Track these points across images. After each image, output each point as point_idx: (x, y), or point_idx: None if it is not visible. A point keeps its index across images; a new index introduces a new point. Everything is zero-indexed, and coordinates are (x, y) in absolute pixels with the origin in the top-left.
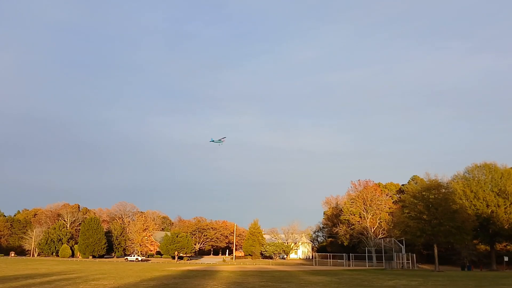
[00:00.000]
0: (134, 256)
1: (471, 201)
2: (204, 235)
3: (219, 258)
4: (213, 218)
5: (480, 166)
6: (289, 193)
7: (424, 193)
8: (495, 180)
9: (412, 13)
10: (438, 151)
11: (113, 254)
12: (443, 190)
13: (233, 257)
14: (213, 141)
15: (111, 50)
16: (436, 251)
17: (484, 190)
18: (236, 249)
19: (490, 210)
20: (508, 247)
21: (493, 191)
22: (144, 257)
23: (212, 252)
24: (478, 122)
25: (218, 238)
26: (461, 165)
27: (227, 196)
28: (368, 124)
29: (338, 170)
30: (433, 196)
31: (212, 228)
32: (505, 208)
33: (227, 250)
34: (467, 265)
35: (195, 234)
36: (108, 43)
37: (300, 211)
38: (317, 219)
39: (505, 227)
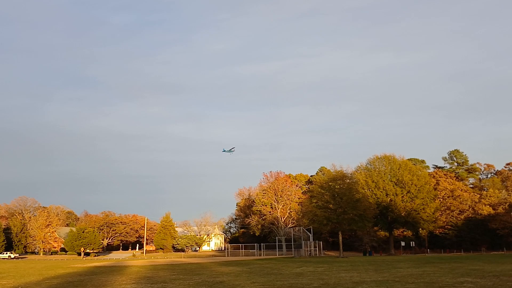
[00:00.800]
0: (5, 253)
1: (373, 191)
2: (113, 230)
3: (129, 253)
4: (122, 212)
5: (381, 157)
6: (203, 185)
7: (330, 183)
8: (393, 170)
9: (320, 10)
10: (344, 143)
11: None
12: (348, 180)
13: (143, 252)
14: (224, 151)
15: (10, 32)
16: (340, 238)
17: (384, 180)
18: (147, 243)
19: (389, 199)
20: (405, 233)
21: (391, 181)
22: (16, 255)
23: (121, 247)
24: (378, 117)
25: (128, 233)
26: (364, 157)
27: (137, 189)
28: (280, 116)
29: (251, 162)
30: (338, 186)
31: (121, 222)
32: (402, 196)
33: (138, 245)
34: (368, 251)
35: (103, 229)
36: (8, 25)
37: (213, 203)
38: (230, 210)
39: (402, 214)
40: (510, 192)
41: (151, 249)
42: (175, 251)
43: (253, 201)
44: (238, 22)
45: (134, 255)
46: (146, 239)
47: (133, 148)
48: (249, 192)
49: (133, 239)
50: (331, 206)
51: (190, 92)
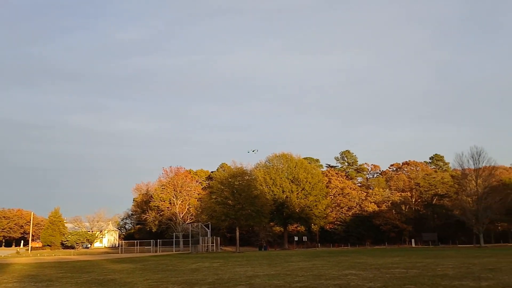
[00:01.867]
0: None
1: (270, 187)
2: None
3: (13, 250)
4: (6, 207)
5: (279, 156)
6: (99, 180)
7: (230, 179)
8: (290, 168)
9: (235, 8)
10: (248, 141)
11: None
12: (247, 177)
13: (28, 248)
14: (249, 152)
15: None
16: (238, 233)
17: (281, 178)
18: (33, 240)
19: (285, 196)
20: (299, 228)
21: (288, 179)
22: None
23: (3, 243)
24: (281, 116)
25: (11, 228)
26: (265, 154)
27: (25, 182)
28: (187, 111)
29: (154, 156)
30: (238, 183)
31: (4, 217)
32: (297, 193)
33: (22, 241)
34: (264, 246)
35: None
36: None
37: (111, 198)
38: (128, 206)
39: (296, 210)
40: (392, 191)
41: (37, 246)
42: (64, 248)
43: (151, 196)
44: (149, 13)
45: (18, 252)
46: (32, 235)
47: (26, 138)
48: (147, 187)
49: (18, 235)
50: (230, 202)
51: (92, 81)
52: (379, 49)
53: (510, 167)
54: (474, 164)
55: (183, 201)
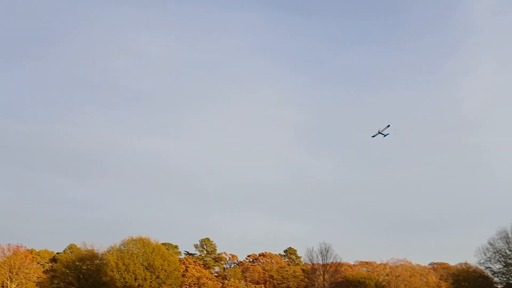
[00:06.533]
0: None
1: (122, 274)
2: None
3: None
4: None
5: (136, 239)
6: None
7: (77, 263)
8: (146, 254)
9: None
10: (103, 219)
11: None
12: (97, 261)
13: None
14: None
15: None
16: None
17: (135, 264)
18: None
19: (137, 284)
20: None
21: (143, 265)
22: None
23: None
24: (140, 198)
25: None
26: (122, 237)
27: None
28: (34, 183)
29: None
30: (86, 267)
31: None
32: (151, 282)
33: None
34: None
35: None
36: None
37: None
38: None
39: None
40: (247, 282)
41: None
42: None
43: None
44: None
45: None
46: None
47: None
48: None
49: None
50: None
51: None
52: (240, 142)
53: (354, 264)
54: (322, 260)
55: (18, 284)
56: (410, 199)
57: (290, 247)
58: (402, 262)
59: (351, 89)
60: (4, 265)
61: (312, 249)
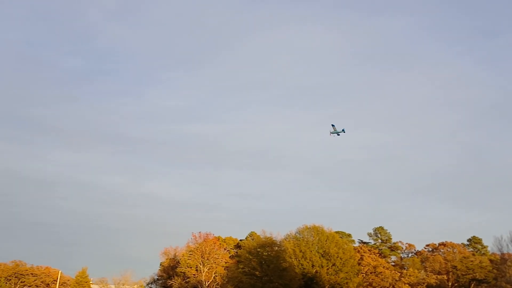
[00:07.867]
0: None
1: (299, 260)
2: (22, 282)
3: None
4: (35, 263)
5: (310, 228)
6: (127, 242)
7: (259, 249)
8: (321, 242)
9: (271, 83)
10: (277, 210)
11: None
12: (276, 248)
13: None
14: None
15: None
16: None
17: (311, 251)
18: None
19: (314, 270)
20: None
21: (318, 252)
22: None
23: None
24: (312, 188)
25: (38, 286)
26: (295, 225)
27: (55, 239)
28: (219, 178)
29: (184, 220)
30: (266, 253)
31: (32, 274)
32: (327, 269)
33: None
34: None
35: (10, 279)
36: None
37: (136, 260)
38: (154, 270)
39: (326, 287)
40: (428, 272)
41: None
42: None
43: (178, 261)
44: (188, 81)
45: None
46: None
47: (56, 195)
48: (175, 252)
49: None
50: (257, 273)
51: (129, 143)
52: (408, 128)
53: None
54: None
55: (209, 268)
56: None
57: (474, 236)
58: None
59: None
60: (197, 251)
61: (501, 238)
